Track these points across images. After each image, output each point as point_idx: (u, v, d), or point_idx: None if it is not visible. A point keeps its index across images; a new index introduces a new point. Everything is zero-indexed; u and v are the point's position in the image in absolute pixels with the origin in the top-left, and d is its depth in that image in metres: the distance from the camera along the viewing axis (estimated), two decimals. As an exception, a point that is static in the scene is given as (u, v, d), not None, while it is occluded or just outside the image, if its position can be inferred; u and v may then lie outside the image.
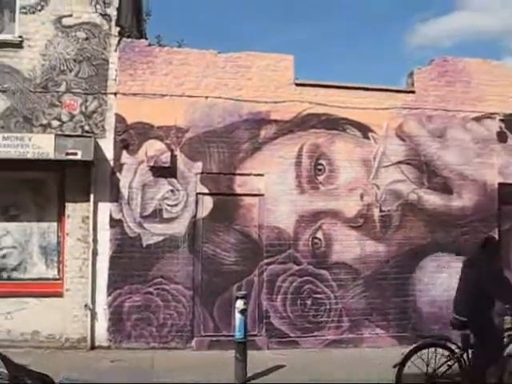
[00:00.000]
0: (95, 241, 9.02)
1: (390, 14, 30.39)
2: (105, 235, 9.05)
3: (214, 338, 9.17)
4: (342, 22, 29.87)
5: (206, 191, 9.32)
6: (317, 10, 30.78)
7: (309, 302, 9.48)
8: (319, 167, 9.66)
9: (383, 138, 9.89)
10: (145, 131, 9.18)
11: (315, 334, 9.46)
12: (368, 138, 9.85)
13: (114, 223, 9.06)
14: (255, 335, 9.16)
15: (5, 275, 9.14)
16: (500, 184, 10.25)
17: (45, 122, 9.02)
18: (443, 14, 40.88)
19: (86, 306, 8.98)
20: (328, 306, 9.53)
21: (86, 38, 9.17)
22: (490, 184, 10.22)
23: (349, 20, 31.36)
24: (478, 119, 10.31)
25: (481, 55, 13.19)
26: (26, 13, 9.12)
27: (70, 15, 9.17)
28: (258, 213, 9.43)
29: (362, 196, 9.74)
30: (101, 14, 9.23)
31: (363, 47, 30.36)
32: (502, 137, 10.34)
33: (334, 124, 9.74)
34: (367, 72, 26.28)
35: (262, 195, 9.44)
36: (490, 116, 10.32)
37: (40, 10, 9.11)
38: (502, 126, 10.34)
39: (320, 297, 9.52)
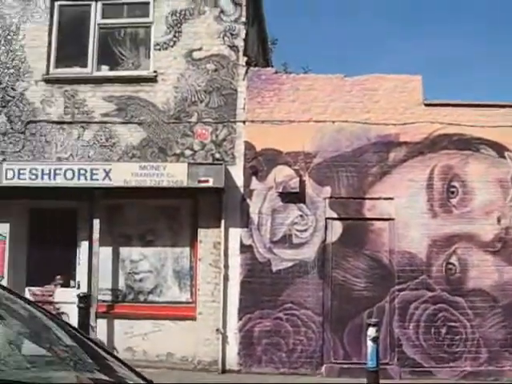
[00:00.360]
0: (226, 266, 9.49)
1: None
2: (235, 260, 9.50)
3: (345, 366, 9.26)
4: (465, 39, 29.15)
5: (335, 216, 9.51)
6: (440, 24, 30.23)
7: (443, 330, 9.31)
8: (452, 189, 9.52)
9: (521, 157, 9.58)
10: (273, 157, 9.58)
11: (451, 364, 9.25)
12: (504, 157, 9.58)
13: (245, 249, 9.48)
14: (387, 364, 9.13)
15: (142, 298, 9.87)
16: None
17: (178, 151, 9.70)
18: None
19: (217, 330, 9.42)
20: (464, 336, 9.30)
21: (215, 70, 9.79)
22: None
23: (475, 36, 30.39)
24: None
25: None
26: (159, 49, 9.92)
27: (200, 49, 9.84)
28: (388, 237, 9.46)
29: (498, 219, 9.46)
30: (229, 46, 9.82)
31: (491, 61, 29.37)
32: None
33: (466, 144, 9.59)
34: (498, 87, 25.31)
35: (393, 219, 9.46)
36: None
37: (172, 46, 9.88)
38: None
39: (455, 325, 9.32)
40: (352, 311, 9.36)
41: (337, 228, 9.53)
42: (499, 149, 9.59)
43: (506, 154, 9.59)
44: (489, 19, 29.15)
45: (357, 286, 9.45)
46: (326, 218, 9.50)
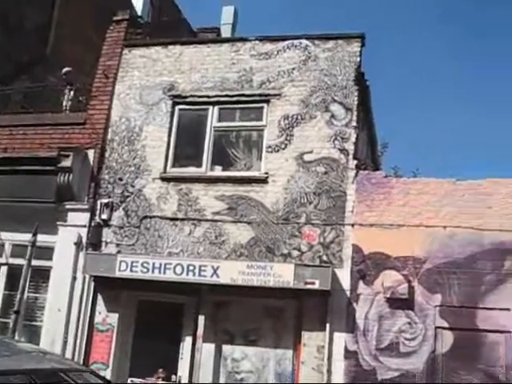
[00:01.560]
0: (329, 371, 9.54)
1: None
2: (339, 366, 9.53)
3: None
4: None
5: (446, 325, 9.39)
6: None
7: None
8: None
9: None
10: (381, 262, 9.75)
11: None
12: None
13: (349, 354, 9.53)
14: None
15: (240, 399, 10.04)
16: None
17: (285, 251, 10.15)
18: None
19: None
20: None
21: (325, 172, 10.33)
22: None
23: None
24: None
25: None
26: (271, 151, 10.68)
27: (311, 152, 10.47)
28: (504, 352, 9.17)
29: None
30: (339, 149, 10.38)
31: None
32: None
33: None
34: None
35: (509, 332, 9.21)
36: None
37: (284, 149, 10.61)
38: None
39: None
40: (465, 430, 9.04)
41: (447, 338, 9.37)
42: None
43: None
44: None
45: (470, 402, 9.15)
46: (436, 327, 9.40)
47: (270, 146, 10.70)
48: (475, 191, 9.86)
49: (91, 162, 11.46)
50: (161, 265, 10.15)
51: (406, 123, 29.61)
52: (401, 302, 9.51)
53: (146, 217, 10.93)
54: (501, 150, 30.72)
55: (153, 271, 10.15)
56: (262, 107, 11.01)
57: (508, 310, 9.28)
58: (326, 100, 10.69)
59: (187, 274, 9.99)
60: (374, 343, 9.52)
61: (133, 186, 11.17)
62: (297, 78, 10.98)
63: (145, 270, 10.18)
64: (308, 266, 9.69)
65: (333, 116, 10.57)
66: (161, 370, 10.38)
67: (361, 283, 9.76)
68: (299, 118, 10.69)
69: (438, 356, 9.34)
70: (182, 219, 10.74)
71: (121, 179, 11.27)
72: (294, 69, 11.04)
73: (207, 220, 10.61)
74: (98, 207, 11.13)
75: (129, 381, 10.50)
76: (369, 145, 13.23)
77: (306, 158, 10.45)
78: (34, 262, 10.57)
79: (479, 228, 9.63)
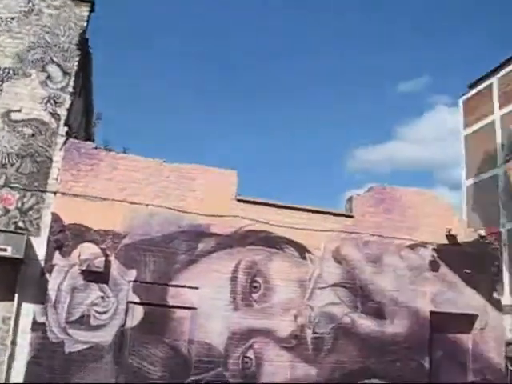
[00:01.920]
0: (14, 343, 9.00)
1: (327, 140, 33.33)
2: (25, 339, 9.05)
3: None
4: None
5: (138, 300, 9.57)
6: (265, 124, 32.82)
7: (234, 424, 9.59)
8: (255, 284, 10.14)
9: (320, 260, 10.57)
10: (81, 233, 9.51)
11: None
12: (305, 258, 10.51)
13: (37, 326, 9.09)
14: None
15: None
16: (432, 312, 10.99)
17: (-22, 214, 9.24)
18: (380, 142, 45.26)
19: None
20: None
21: (33, 135, 9.69)
22: (422, 312, 10.96)
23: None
24: (412, 247, 11.23)
25: (415, 183, 14.43)
26: (-26, 103, 9.60)
27: (19, 110, 9.72)
28: (189, 327, 9.71)
29: (295, 316, 10.21)
30: (50, 113, 9.82)
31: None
32: (434, 266, 11.27)
33: (272, 242, 10.37)
34: (305, 190, 27.92)
35: (195, 309, 9.75)
36: (423, 245, 11.28)
37: (-11, 102, 9.63)
38: (435, 255, 11.29)
39: (246, 421, 9.65)
40: (144, 401, 9.31)
41: (138, 313, 9.56)
42: (301, 249, 10.51)
43: (306, 255, 10.52)
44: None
45: (152, 374, 9.46)
46: (128, 302, 9.51)
47: (-26, 98, 9.64)
48: (180, 174, 10.23)
49: None
50: None
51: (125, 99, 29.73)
52: (96, 276, 9.41)
53: None
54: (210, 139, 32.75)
55: None
56: (-32, 53, 9.86)
57: (196, 288, 9.83)
58: (44, 59, 10.05)
59: None
60: (64, 315, 9.24)
61: None
62: (15, 29, 10.10)
63: None
64: (1, 231, 8.98)
65: (49, 77, 9.97)
66: None
67: (57, 254, 9.38)
68: (11, 72, 9.86)
69: (127, 330, 9.48)
70: None
71: None
72: (13, 18, 10.14)
73: None
74: None
75: None
76: (84, 114, 12.80)
77: (14, 116, 9.67)
78: None
79: (179, 209, 10.01)
